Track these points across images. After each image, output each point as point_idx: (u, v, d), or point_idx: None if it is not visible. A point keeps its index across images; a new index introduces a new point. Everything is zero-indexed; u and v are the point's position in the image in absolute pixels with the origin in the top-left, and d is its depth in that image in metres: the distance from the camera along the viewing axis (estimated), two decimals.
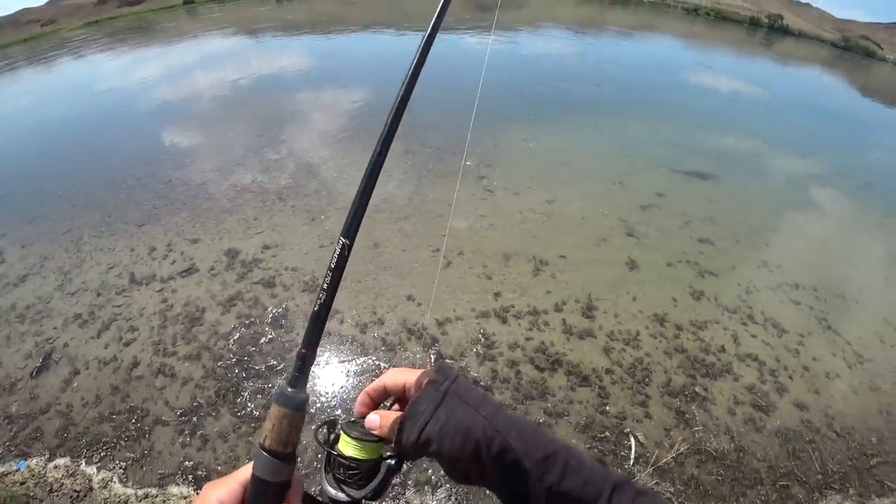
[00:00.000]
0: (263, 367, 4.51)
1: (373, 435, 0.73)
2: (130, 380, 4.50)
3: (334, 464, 0.72)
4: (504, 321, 5.00)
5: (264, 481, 0.64)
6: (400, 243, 6.13)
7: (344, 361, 4.54)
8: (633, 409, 4.24)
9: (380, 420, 0.74)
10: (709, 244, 6.70)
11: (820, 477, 4.00)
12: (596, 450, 3.90)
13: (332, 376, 4.40)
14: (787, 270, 6.45)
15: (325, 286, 0.69)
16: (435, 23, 0.77)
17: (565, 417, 4.12)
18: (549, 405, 4.20)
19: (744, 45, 38.24)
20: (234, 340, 4.82)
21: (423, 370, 0.77)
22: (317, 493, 0.72)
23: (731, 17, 55.20)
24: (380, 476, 0.72)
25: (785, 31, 54.40)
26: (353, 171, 7.92)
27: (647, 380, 4.51)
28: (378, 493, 0.71)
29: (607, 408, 4.22)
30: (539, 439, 0.69)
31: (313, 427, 0.73)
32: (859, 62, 39.45)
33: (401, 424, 0.70)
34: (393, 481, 0.74)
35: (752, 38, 44.60)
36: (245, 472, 0.65)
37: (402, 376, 0.78)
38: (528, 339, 4.78)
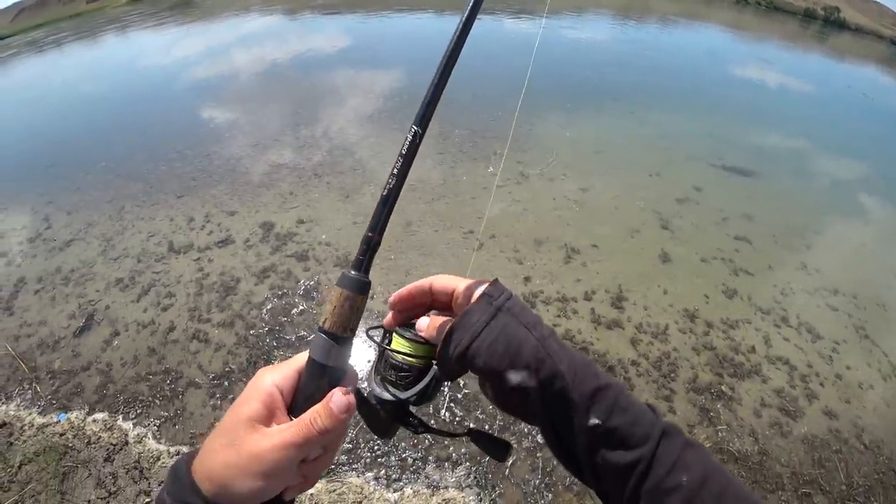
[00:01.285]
0: (294, 338, 4.63)
1: (425, 339, 0.72)
2: (166, 343, 4.67)
3: (385, 365, 0.72)
4: (533, 306, 5.00)
5: (320, 364, 0.63)
6: (433, 224, 6.15)
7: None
8: (657, 403, 4.22)
9: (429, 322, 0.73)
10: (745, 242, 6.54)
11: (844, 488, 3.92)
12: None
13: (357, 350, 4.49)
14: (826, 275, 6.26)
15: (394, 171, 0.67)
16: None
17: None
18: None
19: (796, 38, 36.89)
20: (266, 310, 4.94)
21: (475, 280, 0.74)
22: (365, 392, 0.71)
23: (784, 8, 53.39)
24: (426, 379, 0.71)
25: (841, 25, 52.83)
26: (388, 152, 7.94)
27: (673, 374, 4.47)
28: (423, 396, 0.71)
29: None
30: (590, 372, 0.65)
31: (365, 329, 0.72)
32: None
33: (448, 333, 0.68)
34: (442, 389, 0.73)
35: (806, 31, 43.06)
36: (300, 359, 0.65)
37: (451, 282, 0.75)
38: (555, 325, 4.78)
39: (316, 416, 0.59)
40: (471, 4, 0.69)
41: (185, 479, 0.57)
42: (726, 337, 4.99)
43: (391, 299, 0.76)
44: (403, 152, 0.67)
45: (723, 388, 4.45)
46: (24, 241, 6.40)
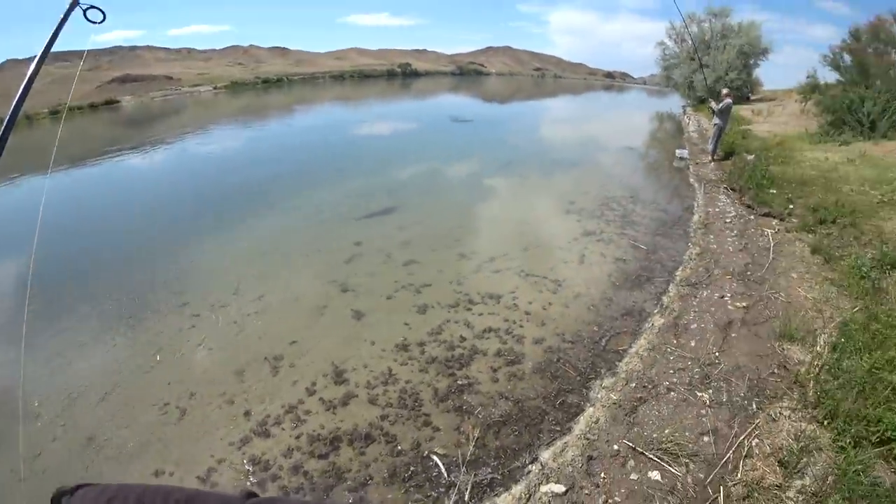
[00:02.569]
0: None
1: None
2: None
3: None
4: (267, 435, 4.50)
5: None
6: (117, 423, 4.96)
7: None
8: (421, 433, 4.25)
9: None
10: (414, 264, 7.31)
11: (578, 378, 4.76)
12: (411, 488, 3.78)
13: None
14: (479, 252, 7.52)
15: None
16: None
17: (370, 482, 3.89)
18: (349, 482, 3.90)
19: (389, 91, 44.98)
20: None
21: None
22: None
23: (371, 74, 65.16)
24: None
25: (416, 74, 68.93)
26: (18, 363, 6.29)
27: (418, 402, 4.59)
28: None
29: (399, 447, 4.14)
30: None
31: None
32: (474, 79, 51.29)
33: None
34: None
35: (393, 84, 53.10)
36: None
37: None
38: (297, 436, 4.40)
39: None
40: None
41: None
42: (439, 343, 5.41)
43: None
44: None
45: (459, 382, 4.78)
46: None
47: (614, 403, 4.35)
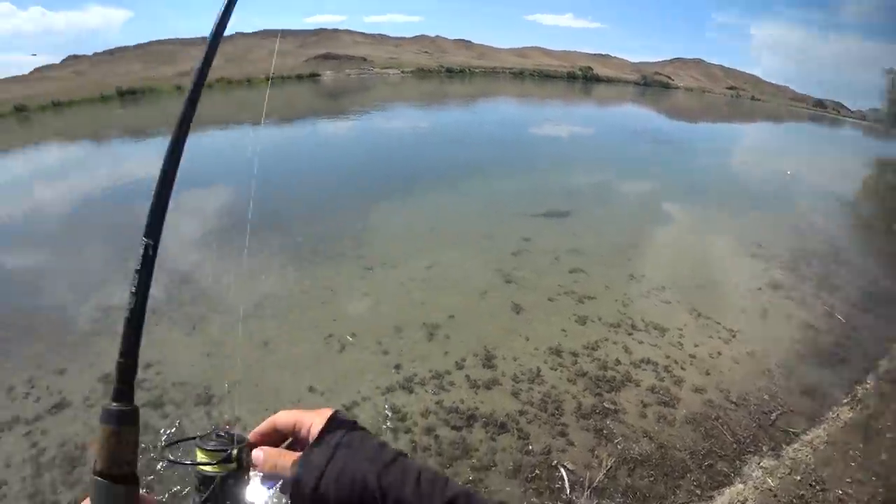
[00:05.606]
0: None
1: (223, 449, 0.66)
2: None
3: (198, 482, 0.66)
4: (410, 391, 4.83)
5: None
6: (289, 338, 5.79)
7: None
8: (555, 442, 4.22)
9: (263, 456, 0.70)
10: (580, 272, 7.17)
11: (735, 446, 4.27)
12: (531, 490, 3.79)
13: None
14: (650, 277, 7.11)
15: (133, 289, 0.63)
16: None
17: (493, 468, 3.98)
18: (474, 461, 4.04)
19: (568, 94, 44.28)
20: None
21: (315, 412, 0.74)
22: None
23: (552, 75, 64.98)
24: (214, 489, 0.65)
25: (596, 79, 66.54)
26: (230, 274, 7.49)
27: (559, 410, 4.55)
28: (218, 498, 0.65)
29: (531, 447, 4.16)
30: (437, 488, 0.66)
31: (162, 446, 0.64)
32: (659, 92, 47.83)
33: (297, 475, 0.66)
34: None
35: (573, 88, 52.02)
36: None
37: (291, 417, 0.74)
38: (437, 402, 4.64)
39: None
40: (189, 94, 0.66)
41: None
42: (592, 359, 5.27)
43: (250, 438, 0.74)
44: (138, 268, 0.64)
45: (605, 405, 4.62)
46: None
47: (770, 490, 3.88)
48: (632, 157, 16.73)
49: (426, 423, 4.44)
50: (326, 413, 0.73)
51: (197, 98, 0.66)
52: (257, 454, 0.70)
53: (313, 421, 0.72)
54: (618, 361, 5.24)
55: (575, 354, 5.34)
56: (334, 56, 53.51)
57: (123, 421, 0.60)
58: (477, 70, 61.19)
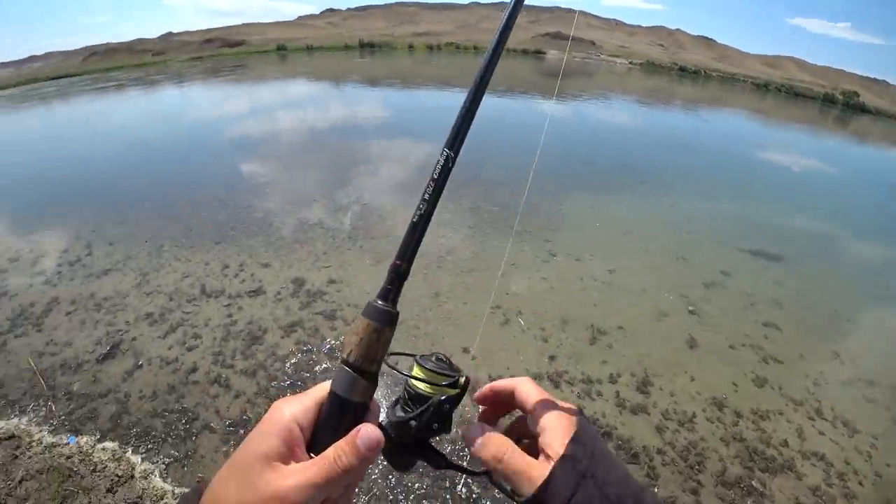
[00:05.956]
0: None
1: (446, 372, 0.67)
2: (187, 383, 4.81)
3: (406, 396, 0.67)
4: (556, 385, 5.00)
5: (344, 399, 0.59)
6: (461, 296, 6.29)
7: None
8: (683, 496, 4.09)
9: (483, 443, 0.66)
10: (775, 329, 6.46)
11: None
12: None
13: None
14: (861, 365, 6.10)
15: (425, 196, 0.63)
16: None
17: None
18: None
19: (817, 122, 37.57)
20: (290, 364, 5.07)
21: (558, 404, 0.67)
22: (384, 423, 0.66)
23: (804, 94, 55.19)
24: (428, 405, 0.64)
25: (861, 109, 53.83)
26: (439, 224, 8.29)
27: (700, 465, 4.36)
28: (429, 424, 0.65)
29: (656, 489, 4.10)
30: None
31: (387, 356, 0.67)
32: None
33: (534, 499, 0.60)
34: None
35: (826, 115, 43.74)
36: (320, 390, 0.62)
37: (532, 396, 0.69)
38: (580, 407, 4.74)
39: (340, 453, 0.56)
40: (506, 17, 0.67)
41: None
42: (757, 428, 4.86)
43: (476, 396, 0.76)
44: (435, 177, 0.63)
45: (753, 483, 4.29)
46: (64, 263, 6.87)
47: None
48: (879, 216, 13.74)
49: None
50: (570, 416, 0.65)
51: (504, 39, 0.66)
52: (476, 432, 0.67)
53: (551, 423, 0.64)
54: (785, 443, 4.76)
55: (739, 415, 4.97)
56: (563, 36, 52.26)
57: (387, 321, 0.61)
58: (713, 73, 54.83)
